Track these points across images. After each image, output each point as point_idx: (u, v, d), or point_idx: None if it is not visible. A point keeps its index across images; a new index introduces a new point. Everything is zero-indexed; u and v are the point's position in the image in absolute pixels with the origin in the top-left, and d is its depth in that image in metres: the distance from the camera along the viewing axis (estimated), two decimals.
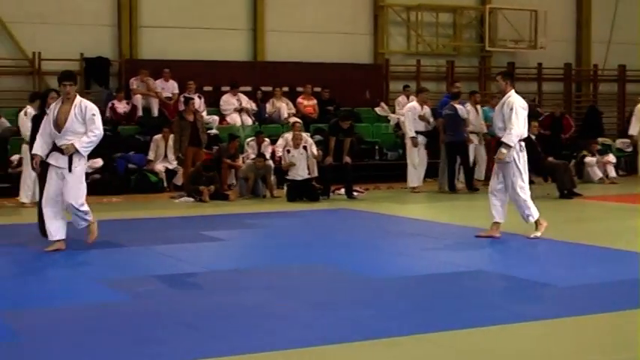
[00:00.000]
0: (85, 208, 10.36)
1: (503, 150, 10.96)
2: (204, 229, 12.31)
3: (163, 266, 9.53)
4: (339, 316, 7.08)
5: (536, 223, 11.16)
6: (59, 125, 10.20)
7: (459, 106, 17.59)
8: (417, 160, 17.71)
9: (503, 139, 10.94)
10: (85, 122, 10.26)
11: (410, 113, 17.80)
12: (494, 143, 11.43)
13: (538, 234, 11.09)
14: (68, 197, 10.18)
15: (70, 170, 10.16)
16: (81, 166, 10.33)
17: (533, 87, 25.08)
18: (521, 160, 11.08)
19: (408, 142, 17.86)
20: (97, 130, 10.32)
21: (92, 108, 10.40)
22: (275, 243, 11.34)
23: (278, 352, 6.01)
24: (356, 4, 23.15)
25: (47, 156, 10.27)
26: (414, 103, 18.07)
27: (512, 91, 11.19)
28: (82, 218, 10.38)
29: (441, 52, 24.25)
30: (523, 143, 11.14)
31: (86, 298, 7.90)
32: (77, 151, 10.18)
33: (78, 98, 10.39)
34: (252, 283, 8.54)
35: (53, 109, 10.34)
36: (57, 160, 10.23)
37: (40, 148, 10.28)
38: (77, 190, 10.26)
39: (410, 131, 17.71)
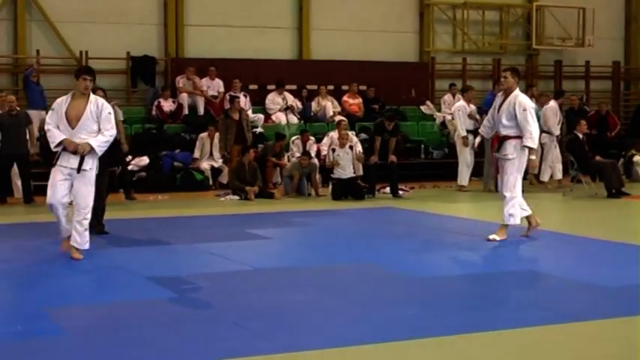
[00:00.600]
0: (89, 216, 9.72)
1: (533, 157, 10.86)
2: (249, 227, 12.33)
3: (209, 264, 9.57)
4: (384, 315, 7.05)
5: (503, 227, 10.90)
6: (70, 121, 9.55)
7: None
8: (469, 159, 17.60)
9: (527, 144, 10.72)
10: (98, 120, 9.62)
11: (460, 112, 17.68)
12: (496, 141, 11.17)
13: (497, 238, 10.81)
14: (81, 200, 9.56)
15: (78, 171, 9.52)
16: (94, 168, 9.67)
17: (581, 85, 24.85)
18: (523, 159, 10.88)
19: (459, 142, 17.73)
20: (113, 129, 9.72)
21: (108, 106, 9.74)
22: (320, 241, 11.33)
23: (323, 351, 5.99)
24: (402, 3, 23.06)
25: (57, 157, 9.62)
26: (462, 102, 17.94)
27: (518, 89, 11.04)
28: (82, 231, 9.59)
29: (487, 50, 24.09)
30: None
31: (132, 295, 7.94)
32: (92, 150, 9.57)
33: (92, 95, 9.75)
34: (298, 282, 8.53)
35: (61, 104, 9.66)
36: (68, 161, 9.56)
37: (61, 134, 9.55)
38: (89, 194, 9.61)
39: (461, 130, 17.59)
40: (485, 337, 6.32)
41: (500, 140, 11.07)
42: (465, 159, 17.63)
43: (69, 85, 19.27)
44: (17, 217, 13.77)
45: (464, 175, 17.67)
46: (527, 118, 10.71)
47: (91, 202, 9.67)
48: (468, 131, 17.55)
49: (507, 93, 11.01)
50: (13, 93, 17.37)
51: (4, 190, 15.81)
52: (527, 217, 11.15)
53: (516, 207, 10.86)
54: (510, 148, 10.87)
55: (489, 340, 6.26)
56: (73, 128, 9.57)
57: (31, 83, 18.13)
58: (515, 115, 10.78)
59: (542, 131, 18.27)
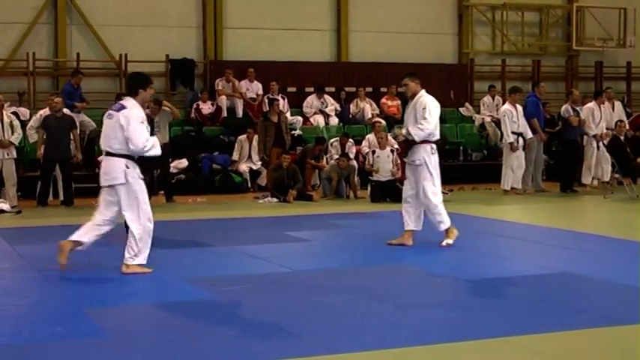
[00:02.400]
0: None
1: (403, 131, 10.56)
2: (288, 230, 12.33)
3: (248, 266, 9.58)
4: (424, 318, 7.01)
5: (447, 231, 10.66)
6: None
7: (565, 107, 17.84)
8: (515, 164, 17.31)
9: (410, 130, 10.45)
10: None
11: (506, 118, 17.33)
12: (404, 146, 10.88)
13: (450, 242, 10.59)
14: None
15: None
16: None
17: (622, 86, 24.61)
18: (433, 163, 10.55)
19: (506, 147, 17.52)
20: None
21: None
22: (359, 244, 11.29)
23: (362, 353, 5.96)
24: (440, 4, 23.02)
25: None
26: (508, 105, 17.46)
27: (423, 90, 10.77)
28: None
29: (527, 51, 23.96)
30: (435, 146, 10.61)
31: (171, 297, 7.96)
32: None
33: None
34: (337, 284, 8.51)
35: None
36: None
37: None
38: None
39: (508, 136, 17.30)
40: (527, 341, 6.25)
41: (408, 145, 10.73)
42: (511, 164, 17.33)
43: (109, 89, 19.66)
44: (58, 219, 13.85)
45: (507, 180, 17.39)
46: (425, 115, 10.44)
47: None
48: (515, 134, 17.28)
49: (412, 97, 10.78)
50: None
51: (45, 194, 15.87)
52: (407, 231, 10.78)
53: (442, 212, 10.61)
54: (418, 153, 10.56)
55: (529, 344, 6.19)
56: None
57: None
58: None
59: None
